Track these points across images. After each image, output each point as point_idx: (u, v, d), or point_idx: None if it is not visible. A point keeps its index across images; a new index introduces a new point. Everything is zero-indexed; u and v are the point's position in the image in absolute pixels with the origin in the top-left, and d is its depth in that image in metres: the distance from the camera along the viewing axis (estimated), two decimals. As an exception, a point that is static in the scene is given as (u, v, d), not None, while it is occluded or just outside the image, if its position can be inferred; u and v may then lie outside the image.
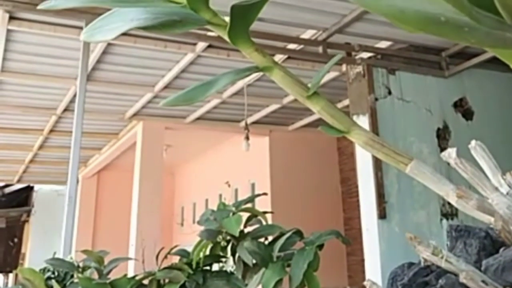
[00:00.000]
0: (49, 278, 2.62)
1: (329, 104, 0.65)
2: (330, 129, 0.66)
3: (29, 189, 12.67)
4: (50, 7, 0.60)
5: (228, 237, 2.28)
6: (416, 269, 0.73)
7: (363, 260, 5.38)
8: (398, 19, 0.45)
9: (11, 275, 13.75)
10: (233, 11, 0.60)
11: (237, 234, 2.16)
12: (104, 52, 5.54)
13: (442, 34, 0.45)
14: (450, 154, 0.65)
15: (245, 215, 2.49)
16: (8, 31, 4.79)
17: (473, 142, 0.70)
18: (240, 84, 6.56)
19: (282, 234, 2.26)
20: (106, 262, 2.65)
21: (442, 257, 0.67)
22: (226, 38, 0.63)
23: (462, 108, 5.30)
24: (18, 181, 11.74)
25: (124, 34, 4.65)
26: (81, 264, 2.65)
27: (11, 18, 4.63)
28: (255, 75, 6.27)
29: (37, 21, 4.83)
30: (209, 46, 5.37)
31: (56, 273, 2.71)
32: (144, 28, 0.62)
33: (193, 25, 0.63)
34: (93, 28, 0.65)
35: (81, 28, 4.79)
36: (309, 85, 0.66)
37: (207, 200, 10.19)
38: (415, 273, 0.73)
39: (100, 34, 0.64)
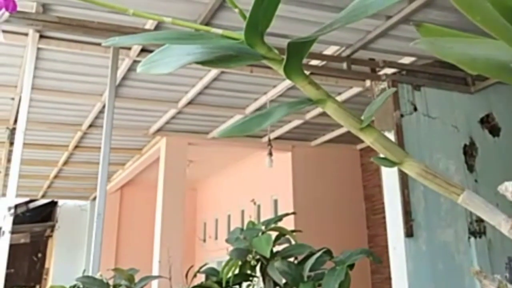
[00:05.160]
0: (79, 295, 2.64)
1: (382, 135, 0.66)
2: (383, 160, 0.67)
3: (53, 204, 12.81)
4: (114, 44, 0.62)
5: (258, 256, 2.28)
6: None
7: (387, 278, 5.31)
8: (470, 67, 0.45)
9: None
10: (289, 47, 0.61)
11: (268, 255, 2.16)
12: (130, 69, 5.62)
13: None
14: (507, 187, 0.65)
15: (272, 234, 2.50)
16: (37, 49, 4.89)
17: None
18: (263, 99, 6.58)
19: (311, 254, 2.26)
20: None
21: (508, 292, 0.67)
22: (280, 72, 0.65)
23: (489, 124, 5.24)
24: (43, 196, 11.88)
25: (149, 51, 4.70)
26: (110, 282, 2.67)
27: (41, 36, 4.74)
28: (278, 90, 6.29)
29: (65, 39, 4.92)
30: (233, 63, 5.40)
31: (85, 291, 2.73)
32: (201, 63, 0.64)
33: (249, 60, 0.64)
34: (151, 61, 0.66)
35: (108, 46, 4.88)
36: (362, 117, 0.67)
37: (229, 216, 10.18)
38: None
39: (158, 67, 0.65)
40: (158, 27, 4.58)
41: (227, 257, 2.44)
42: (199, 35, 0.63)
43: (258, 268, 2.35)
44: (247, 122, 0.65)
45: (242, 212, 9.62)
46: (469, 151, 5.01)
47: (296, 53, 0.63)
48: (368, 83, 5.61)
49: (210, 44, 0.64)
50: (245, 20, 0.61)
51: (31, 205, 12.73)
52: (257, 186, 9.08)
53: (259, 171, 8.57)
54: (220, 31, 0.63)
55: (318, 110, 6.98)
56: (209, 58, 0.64)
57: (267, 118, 0.64)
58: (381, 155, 0.69)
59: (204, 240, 11.14)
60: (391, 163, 0.66)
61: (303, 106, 0.65)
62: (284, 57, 0.62)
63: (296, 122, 7.51)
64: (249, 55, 0.64)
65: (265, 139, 7.68)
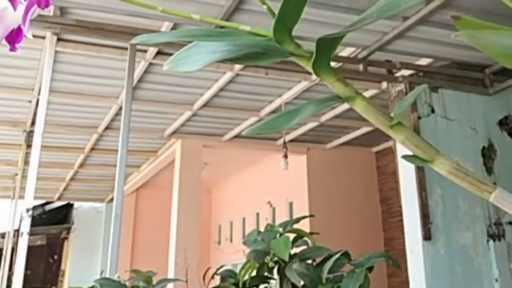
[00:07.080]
0: (97, 296, 2.65)
1: (412, 133, 0.65)
2: (413, 158, 0.66)
3: (68, 207, 12.91)
4: (144, 41, 0.62)
5: (276, 258, 2.27)
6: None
7: (404, 282, 5.27)
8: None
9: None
10: (318, 44, 0.60)
11: (286, 258, 2.15)
12: (146, 71, 5.65)
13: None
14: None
15: (290, 236, 2.48)
16: (55, 52, 4.93)
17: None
18: (278, 102, 6.58)
19: (330, 256, 2.24)
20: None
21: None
22: (309, 69, 0.64)
23: (508, 126, 5.17)
24: (59, 198, 11.97)
25: (165, 54, 4.70)
26: (128, 284, 2.67)
27: (58, 39, 4.78)
28: (293, 93, 6.28)
29: (82, 42, 4.96)
30: (248, 65, 5.41)
31: (103, 292, 2.74)
32: (230, 60, 0.63)
33: (277, 57, 0.63)
34: (177, 59, 0.66)
35: (125, 48, 4.90)
36: (392, 114, 0.66)
37: (244, 219, 10.18)
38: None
39: (185, 65, 0.65)
40: (174, 30, 4.59)
41: (243, 260, 2.43)
42: (228, 32, 0.63)
43: (275, 270, 2.33)
44: (276, 119, 0.64)
45: (257, 214, 9.61)
46: (488, 153, 4.95)
47: (325, 50, 0.63)
48: (384, 85, 5.58)
49: (238, 41, 0.63)
50: (274, 17, 0.60)
51: (47, 207, 12.83)
52: (272, 189, 9.07)
53: (274, 173, 8.56)
54: (248, 28, 0.62)
55: (333, 112, 6.95)
56: (236, 55, 0.63)
57: (296, 115, 0.63)
58: (411, 153, 0.68)
59: (219, 243, 11.15)
60: (422, 161, 0.65)
61: (332, 103, 0.64)
62: (313, 54, 0.61)
63: (311, 125, 7.48)
64: (277, 52, 0.63)
65: (280, 141, 7.68)
